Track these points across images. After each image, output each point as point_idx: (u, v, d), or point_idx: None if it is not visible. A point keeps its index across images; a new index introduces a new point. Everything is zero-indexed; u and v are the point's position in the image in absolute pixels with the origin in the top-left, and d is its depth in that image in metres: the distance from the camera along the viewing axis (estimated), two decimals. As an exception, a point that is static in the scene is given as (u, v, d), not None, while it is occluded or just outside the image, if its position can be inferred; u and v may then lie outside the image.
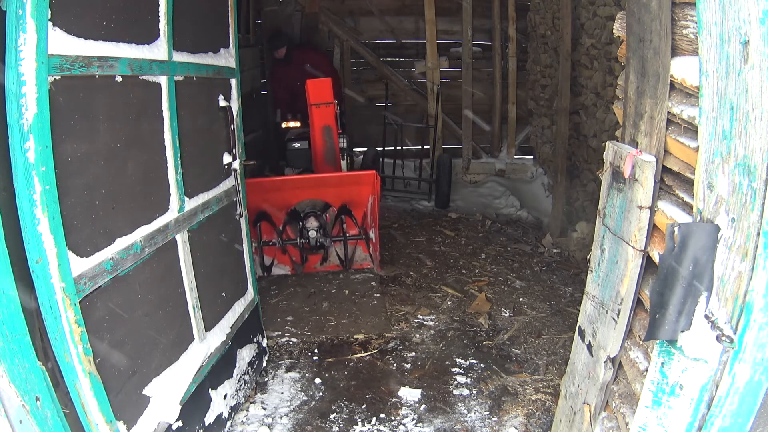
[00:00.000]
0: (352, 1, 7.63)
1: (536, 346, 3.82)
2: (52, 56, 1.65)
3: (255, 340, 3.38)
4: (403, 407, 3.22)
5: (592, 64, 5.08)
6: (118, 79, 2.01)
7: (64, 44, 1.72)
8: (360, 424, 3.09)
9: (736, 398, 1.46)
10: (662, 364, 1.56)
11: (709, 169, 1.38)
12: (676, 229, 1.39)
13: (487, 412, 3.17)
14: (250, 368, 3.24)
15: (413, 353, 3.77)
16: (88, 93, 1.86)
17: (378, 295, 4.58)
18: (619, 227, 1.78)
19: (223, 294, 2.97)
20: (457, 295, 4.59)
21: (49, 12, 1.63)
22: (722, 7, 1.28)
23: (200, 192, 2.67)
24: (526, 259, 5.33)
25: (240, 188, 3.08)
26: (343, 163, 5.31)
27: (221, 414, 2.83)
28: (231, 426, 2.97)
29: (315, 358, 3.74)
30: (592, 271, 2.04)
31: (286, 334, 3.99)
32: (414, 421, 3.10)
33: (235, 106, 3.04)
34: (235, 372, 3.04)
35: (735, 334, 1.39)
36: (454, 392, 3.36)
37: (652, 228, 1.66)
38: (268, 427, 3.05)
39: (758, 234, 1.32)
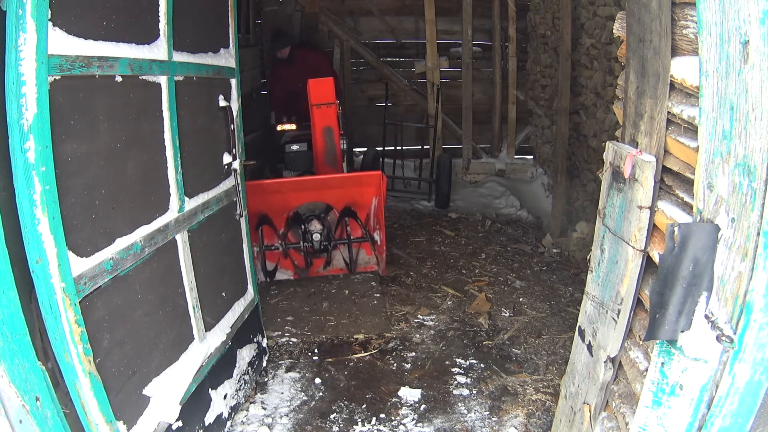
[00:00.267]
0: (352, 1, 7.63)
1: (536, 346, 3.82)
2: (52, 56, 1.65)
3: (255, 340, 3.38)
4: (403, 407, 3.22)
5: (592, 64, 5.08)
6: (118, 79, 2.01)
7: (64, 44, 1.72)
8: (360, 424, 3.09)
9: (736, 398, 1.46)
10: (662, 364, 1.56)
11: (709, 169, 1.38)
12: (676, 229, 1.39)
13: (487, 412, 3.17)
14: (250, 368, 3.24)
15: (413, 353, 3.77)
16: (88, 93, 1.86)
17: (378, 295, 4.58)
18: (619, 227, 1.78)
19: (223, 294, 2.97)
20: (457, 295, 4.59)
21: (49, 12, 1.63)
22: (722, 7, 1.28)
23: (200, 192, 2.67)
24: (526, 259, 5.33)
25: (240, 188, 3.08)
26: (343, 165, 5.28)
27: (221, 414, 2.83)
28: (231, 426, 2.97)
29: (315, 358, 3.74)
30: (592, 271, 2.04)
31: (286, 334, 3.99)
32: (414, 421, 3.10)
33: (235, 106, 3.04)
34: (235, 372, 3.04)
35: (735, 334, 1.39)
36: (454, 392, 3.36)
37: (652, 228, 1.66)
38: (268, 427, 3.05)
39: (758, 234, 1.32)
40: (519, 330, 4.03)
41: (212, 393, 2.76)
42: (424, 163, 7.27)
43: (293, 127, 5.84)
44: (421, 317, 4.24)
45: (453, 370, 3.58)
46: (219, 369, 2.82)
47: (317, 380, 3.49)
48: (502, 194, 7.17)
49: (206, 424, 2.67)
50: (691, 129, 1.50)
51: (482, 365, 3.62)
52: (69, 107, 1.76)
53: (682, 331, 1.46)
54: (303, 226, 4.63)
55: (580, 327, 2.15)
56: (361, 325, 4.14)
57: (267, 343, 3.62)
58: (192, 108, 2.59)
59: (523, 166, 7.64)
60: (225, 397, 2.88)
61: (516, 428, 3.03)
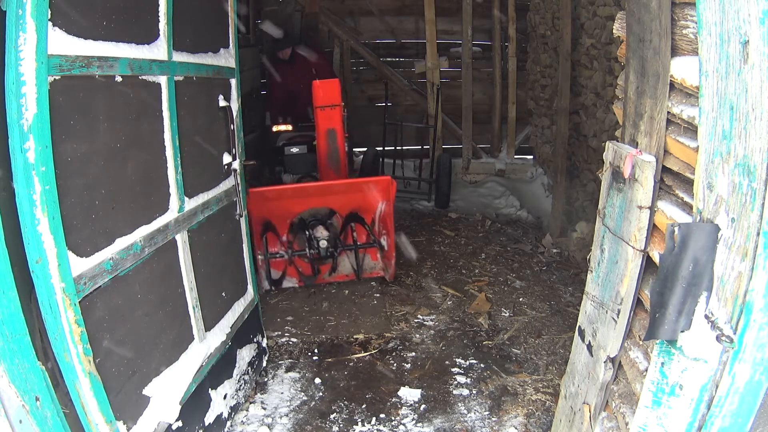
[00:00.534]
0: (352, 1, 7.63)
1: (536, 346, 3.82)
2: (51, 56, 1.65)
3: (255, 340, 3.38)
4: (403, 407, 3.22)
5: (592, 64, 5.08)
6: (118, 79, 2.01)
7: (64, 44, 1.72)
8: (360, 424, 3.09)
9: (736, 398, 1.46)
10: (662, 364, 1.56)
11: (709, 169, 1.38)
12: (676, 229, 1.39)
13: (487, 412, 3.17)
14: (249, 368, 3.24)
15: (413, 353, 3.78)
16: (88, 93, 1.86)
17: (378, 295, 4.58)
18: (619, 227, 1.78)
19: (223, 294, 2.97)
20: (457, 295, 4.59)
21: (49, 12, 1.63)
22: (722, 7, 1.28)
23: (200, 192, 2.67)
24: (526, 259, 5.33)
25: (240, 188, 3.08)
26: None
27: (221, 414, 2.83)
28: (231, 426, 2.97)
29: (315, 358, 3.74)
30: (592, 271, 2.04)
31: (286, 334, 3.99)
32: (414, 421, 3.10)
33: (235, 106, 3.04)
34: (235, 372, 3.04)
35: (735, 334, 1.39)
36: (454, 392, 3.36)
37: (652, 228, 1.66)
38: (268, 427, 3.05)
39: (758, 234, 1.32)
40: (519, 330, 4.03)
41: (212, 393, 2.76)
42: (424, 163, 7.27)
43: (289, 127, 5.80)
44: (421, 317, 4.24)
45: (453, 370, 3.58)
46: (219, 369, 2.82)
47: (317, 380, 3.49)
48: (502, 194, 7.17)
49: (206, 424, 2.67)
50: (691, 129, 1.50)
51: (482, 365, 3.62)
52: (69, 107, 1.76)
53: (682, 331, 1.46)
54: (308, 233, 4.52)
55: (580, 327, 2.15)
56: (361, 325, 4.14)
57: (267, 343, 3.62)
58: (192, 108, 2.59)
59: (523, 166, 7.64)
60: (225, 397, 2.88)
61: (516, 428, 3.03)
